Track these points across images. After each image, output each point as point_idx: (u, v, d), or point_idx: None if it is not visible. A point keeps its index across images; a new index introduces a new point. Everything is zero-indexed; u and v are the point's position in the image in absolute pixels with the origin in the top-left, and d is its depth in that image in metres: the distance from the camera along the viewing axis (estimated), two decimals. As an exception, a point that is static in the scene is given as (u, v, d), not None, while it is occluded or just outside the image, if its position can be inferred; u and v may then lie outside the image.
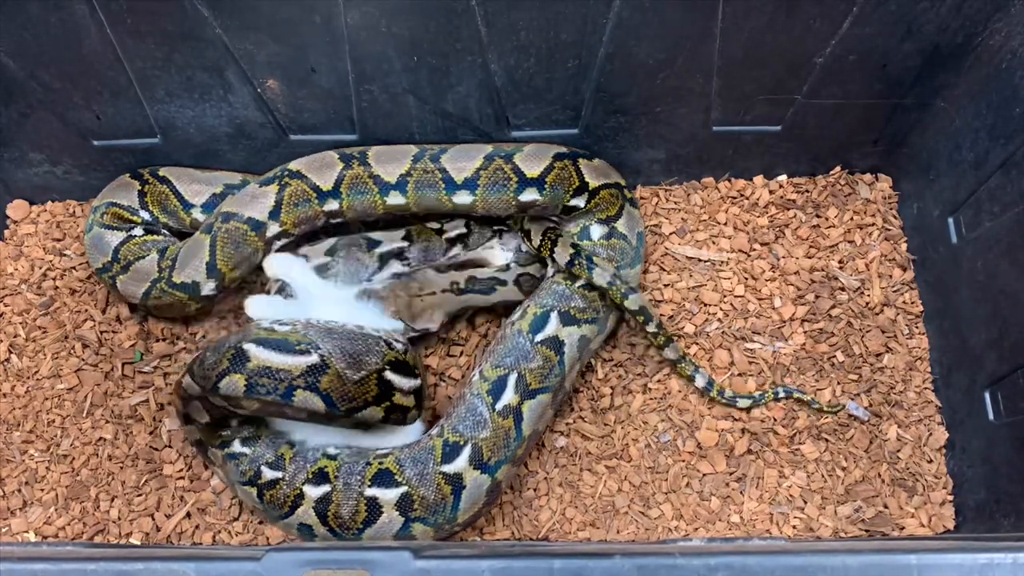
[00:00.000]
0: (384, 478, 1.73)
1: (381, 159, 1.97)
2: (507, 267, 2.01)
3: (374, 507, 1.71)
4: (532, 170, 1.94)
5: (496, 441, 1.75)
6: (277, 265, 1.94)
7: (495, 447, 1.74)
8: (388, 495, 1.71)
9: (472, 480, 1.72)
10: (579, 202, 1.98)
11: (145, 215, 2.10)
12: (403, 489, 1.71)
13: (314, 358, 1.63)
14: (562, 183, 1.96)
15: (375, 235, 2.03)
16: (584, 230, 2.00)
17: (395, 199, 1.96)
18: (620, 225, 1.99)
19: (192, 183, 2.10)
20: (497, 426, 1.75)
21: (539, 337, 1.84)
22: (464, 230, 2.08)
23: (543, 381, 1.81)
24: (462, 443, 1.74)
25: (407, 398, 1.74)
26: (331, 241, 2.02)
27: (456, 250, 2.06)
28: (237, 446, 1.80)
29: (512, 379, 1.79)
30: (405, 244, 2.03)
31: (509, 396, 1.78)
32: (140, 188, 2.09)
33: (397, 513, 1.71)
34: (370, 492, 1.72)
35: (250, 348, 1.62)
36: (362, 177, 1.94)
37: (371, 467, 1.74)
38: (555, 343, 1.84)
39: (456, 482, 1.72)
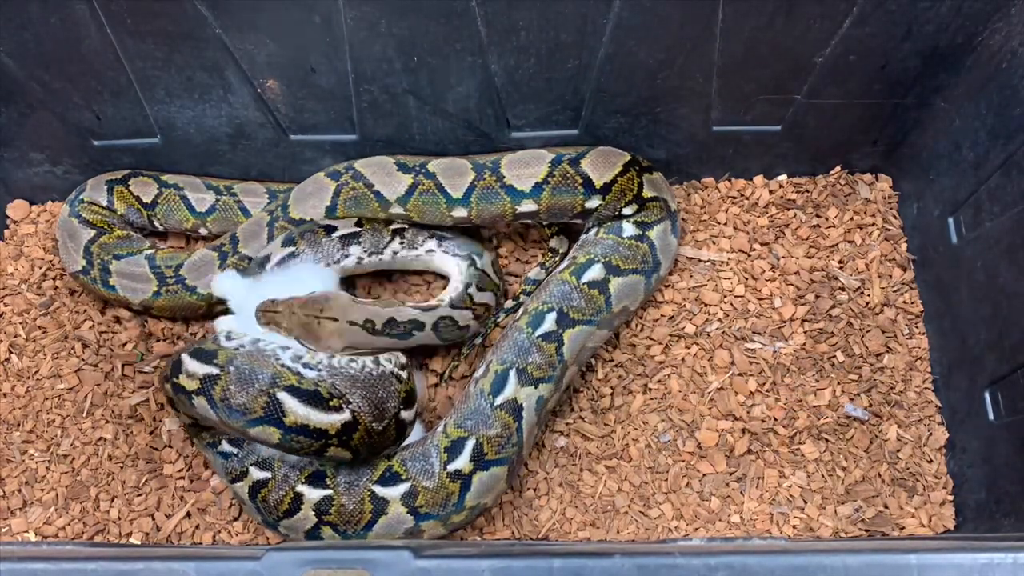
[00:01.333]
0: (389, 478, 1.73)
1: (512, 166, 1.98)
2: (435, 307, 1.93)
3: (379, 504, 1.71)
4: (600, 178, 1.94)
5: (438, 501, 1.73)
6: (223, 284, 1.90)
7: (433, 504, 1.72)
8: (393, 492, 1.72)
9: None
10: (628, 211, 1.98)
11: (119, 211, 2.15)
12: (408, 484, 1.72)
13: (346, 415, 1.63)
14: (624, 193, 1.96)
15: (330, 221, 2.00)
16: (617, 225, 1.99)
17: (527, 207, 1.96)
18: (653, 234, 1.98)
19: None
20: (442, 484, 1.73)
21: (499, 400, 1.80)
22: (404, 224, 2.04)
23: (500, 451, 1.77)
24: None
25: (411, 426, 1.77)
26: (279, 238, 2.00)
27: (396, 244, 2.02)
28: (226, 446, 1.80)
29: (470, 444, 1.76)
30: (358, 229, 2.00)
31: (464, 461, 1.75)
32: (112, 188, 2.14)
33: (405, 511, 1.71)
34: (375, 489, 1.72)
35: (285, 400, 1.60)
36: (493, 186, 1.95)
37: (376, 469, 1.75)
38: (514, 407, 1.79)
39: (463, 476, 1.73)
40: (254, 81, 1.92)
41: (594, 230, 2.01)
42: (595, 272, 1.93)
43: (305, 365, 1.69)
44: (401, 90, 1.93)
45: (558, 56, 1.85)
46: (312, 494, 1.73)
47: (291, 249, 1.95)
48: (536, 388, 1.81)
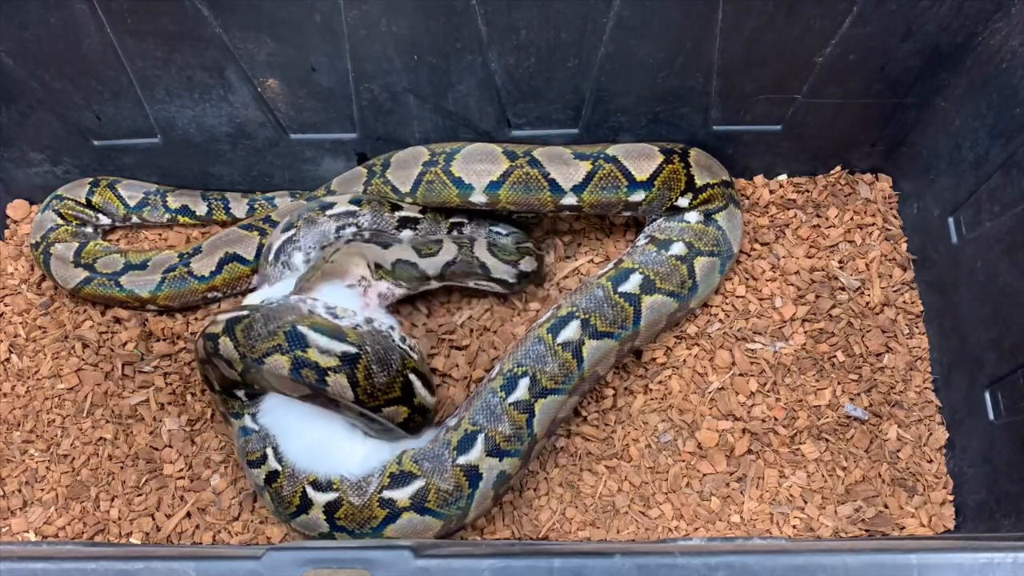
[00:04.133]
0: (402, 479, 1.72)
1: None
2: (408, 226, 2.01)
3: (391, 508, 1.70)
4: (641, 173, 1.93)
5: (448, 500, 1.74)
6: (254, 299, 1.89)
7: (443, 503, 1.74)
8: (404, 492, 1.71)
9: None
10: (684, 202, 1.97)
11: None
12: (421, 482, 1.71)
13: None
14: (670, 184, 1.95)
15: (328, 198, 2.02)
16: (680, 215, 1.99)
17: (569, 200, 1.94)
18: (720, 217, 1.99)
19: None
20: (454, 476, 1.74)
21: (460, 460, 1.73)
22: (418, 215, 2.03)
23: (443, 506, 1.71)
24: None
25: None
26: (281, 224, 2.01)
27: (406, 233, 2.01)
28: (248, 421, 1.80)
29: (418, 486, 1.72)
30: (355, 208, 1.99)
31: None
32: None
33: (415, 513, 1.70)
34: (387, 495, 1.71)
35: (414, 381, 1.71)
36: (533, 176, 1.93)
37: (386, 471, 1.74)
38: (473, 472, 1.73)
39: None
40: (254, 80, 1.92)
41: (659, 221, 2.02)
42: (677, 248, 1.94)
43: (410, 347, 1.77)
44: (401, 88, 1.93)
45: (558, 55, 1.85)
46: (319, 497, 1.72)
47: (290, 233, 1.96)
48: (546, 399, 1.79)
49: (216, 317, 1.73)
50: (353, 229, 1.98)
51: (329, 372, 1.59)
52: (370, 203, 2.00)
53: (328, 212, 1.98)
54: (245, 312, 1.68)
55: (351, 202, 2.00)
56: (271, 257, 1.96)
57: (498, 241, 2.03)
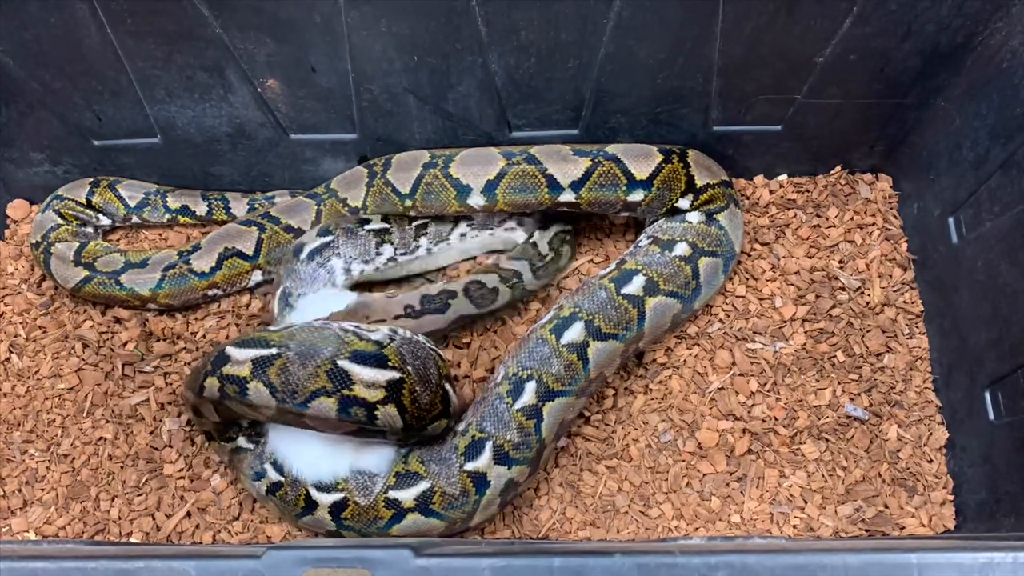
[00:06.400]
0: (407, 479, 1.72)
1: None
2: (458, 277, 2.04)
3: (396, 508, 1.70)
4: (641, 172, 1.93)
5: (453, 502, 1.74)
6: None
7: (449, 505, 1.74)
8: (409, 493, 1.71)
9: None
10: (684, 203, 1.98)
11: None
12: (426, 484, 1.71)
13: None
14: (670, 184, 1.96)
15: (362, 214, 2.07)
16: (681, 215, 2.00)
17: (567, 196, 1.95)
18: (721, 217, 1.99)
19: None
20: (462, 480, 1.74)
21: (468, 466, 1.72)
22: (383, 224, 2.05)
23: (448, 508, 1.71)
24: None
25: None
26: (314, 229, 2.04)
27: (386, 248, 2.03)
28: (243, 442, 1.80)
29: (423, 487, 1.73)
30: (387, 225, 2.04)
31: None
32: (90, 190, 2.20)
33: (419, 514, 1.70)
34: (392, 495, 1.71)
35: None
36: (531, 173, 1.94)
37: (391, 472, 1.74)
38: (480, 479, 1.73)
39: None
40: (254, 81, 1.92)
41: (660, 222, 2.02)
42: (681, 249, 1.94)
43: (433, 347, 1.75)
44: (401, 89, 1.93)
45: (558, 55, 1.85)
46: (324, 498, 1.72)
47: (328, 239, 1.99)
48: (553, 401, 1.79)
49: (231, 353, 1.59)
50: (388, 249, 2.02)
51: (378, 406, 1.54)
52: (397, 219, 2.05)
53: (367, 227, 2.02)
54: (274, 351, 1.55)
55: (382, 220, 2.05)
56: (303, 256, 1.97)
57: (506, 262, 2.06)
